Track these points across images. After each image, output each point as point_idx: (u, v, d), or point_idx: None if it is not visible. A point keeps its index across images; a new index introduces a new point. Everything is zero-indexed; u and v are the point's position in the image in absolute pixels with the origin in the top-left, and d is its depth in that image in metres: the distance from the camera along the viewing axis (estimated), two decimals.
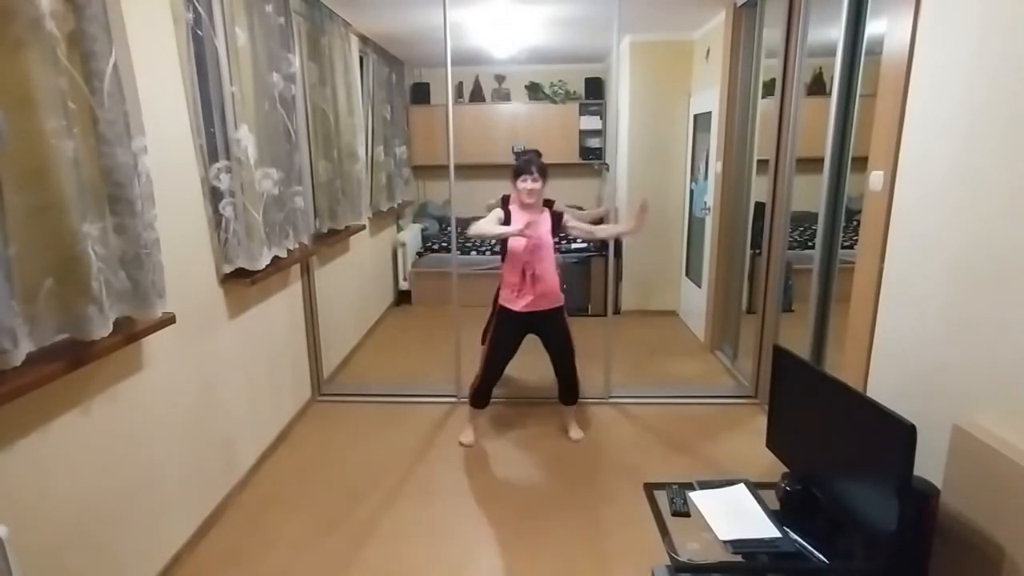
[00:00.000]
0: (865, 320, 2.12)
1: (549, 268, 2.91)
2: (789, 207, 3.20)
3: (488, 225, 2.87)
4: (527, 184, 2.84)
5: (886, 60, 2.03)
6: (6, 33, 1.43)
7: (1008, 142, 1.52)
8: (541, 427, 3.30)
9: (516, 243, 2.86)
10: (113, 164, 1.72)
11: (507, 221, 2.90)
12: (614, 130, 4.43)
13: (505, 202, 2.98)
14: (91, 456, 1.84)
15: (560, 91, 6.31)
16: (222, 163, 2.47)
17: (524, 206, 2.91)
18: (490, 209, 2.98)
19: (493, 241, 5.15)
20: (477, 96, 6.38)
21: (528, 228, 2.75)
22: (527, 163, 2.86)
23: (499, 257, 3.13)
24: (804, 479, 1.82)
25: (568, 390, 3.12)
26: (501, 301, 2.98)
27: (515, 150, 3.07)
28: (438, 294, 5.56)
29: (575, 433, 3.18)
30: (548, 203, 3.00)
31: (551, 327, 2.99)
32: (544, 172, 2.89)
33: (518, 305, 2.90)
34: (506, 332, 2.99)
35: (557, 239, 3.06)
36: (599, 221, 3.41)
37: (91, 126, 1.67)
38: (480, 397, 3.09)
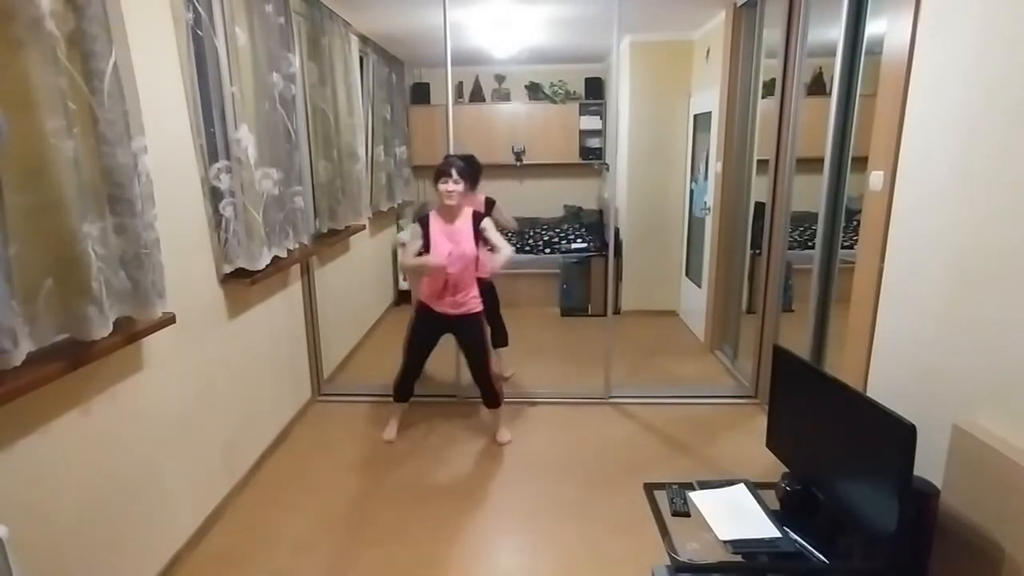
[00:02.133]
0: (865, 320, 2.12)
1: (468, 276, 2.95)
2: (789, 207, 3.20)
3: (408, 259, 2.90)
4: (447, 186, 2.83)
5: (886, 60, 2.03)
6: (6, 33, 1.43)
7: (1008, 142, 1.52)
8: (539, 428, 3.30)
9: (437, 253, 2.87)
10: (113, 164, 1.72)
11: (426, 233, 2.90)
12: (614, 130, 4.42)
13: (424, 220, 2.94)
14: (91, 456, 1.84)
15: (560, 91, 6.31)
16: (222, 163, 2.47)
17: (445, 211, 2.90)
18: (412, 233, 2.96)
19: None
20: (477, 96, 6.38)
21: (450, 257, 2.81)
22: (447, 165, 2.86)
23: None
24: (804, 479, 1.82)
25: (486, 395, 3.14)
26: (421, 297, 3.03)
27: (446, 156, 2.96)
28: None
29: (502, 436, 3.17)
30: (490, 203, 3.00)
31: (466, 332, 3.04)
32: (467, 174, 2.90)
33: (438, 307, 2.96)
34: (424, 327, 3.05)
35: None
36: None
37: (91, 126, 1.67)
38: (400, 390, 3.16)
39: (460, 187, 2.85)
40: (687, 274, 5.16)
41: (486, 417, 3.34)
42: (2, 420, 1.52)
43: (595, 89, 6.28)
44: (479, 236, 2.93)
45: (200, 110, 2.37)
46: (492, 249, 2.96)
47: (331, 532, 2.45)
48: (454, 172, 2.83)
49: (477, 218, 2.94)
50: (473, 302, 3.00)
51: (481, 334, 3.06)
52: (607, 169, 5.76)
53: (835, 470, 1.73)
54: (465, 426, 3.30)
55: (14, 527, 1.38)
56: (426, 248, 2.90)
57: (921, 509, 1.56)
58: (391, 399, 3.21)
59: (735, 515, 1.77)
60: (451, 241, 2.89)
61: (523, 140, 6.29)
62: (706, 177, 4.50)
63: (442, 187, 2.85)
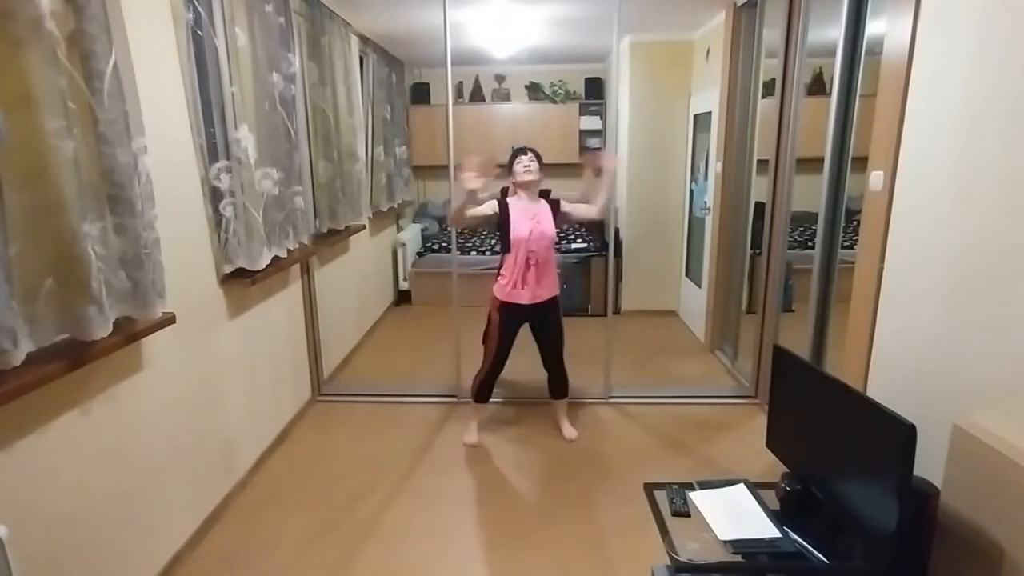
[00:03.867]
0: (865, 320, 2.12)
1: (551, 259, 2.94)
2: (789, 207, 3.20)
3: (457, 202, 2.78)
4: (523, 163, 2.87)
5: (886, 60, 2.03)
6: (6, 33, 1.43)
7: (1008, 142, 1.52)
8: (541, 427, 3.30)
9: (519, 233, 2.85)
10: (113, 164, 1.72)
11: (504, 215, 2.88)
12: (614, 130, 4.42)
13: (503, 202, 2.94)
14: (91, 456, 1.84)
15: (560, 91, 6.31)
16: (222, 163, 2.47)
17: (523, 188, 2.91)
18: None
19: (495, 239, 5.15)
20: (477, 96, 6.38)
21: (531, 235, 2.82)
22: (523, 148, 2.92)
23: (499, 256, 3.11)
24: (804, 479, 1.82)
25: (558, 383, 3.13)
26: (502, 296, 2.93)
27: (514, 147, 3.03)
28: (438, 294, 5.56)
29: (569, 432, 3.17)
30: (544, 193, 2.99)
31: (546, 318, 3.00)
32: (541, 162, 2.93)
33: (524, 298, 2.90)
34: (510, 323, 2.98)
35: (560, 231, 3.09)
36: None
37: (91, 126, 1.67)
38: (485, 390, 3.11)
39: (536, 166, 2.88)
40: (687, 274, 5.16)
41: (486, 418, 3.34)
42: (2, 420, 1.52)
43: (595, 89, 6.28)
44: (558, 218, 2.95)
45: (200, 110, 2.37)
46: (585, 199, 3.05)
47: (331, 532, 2.45)
48: (531, 152, 2.89)
49: (554, 203, 2.96)
50: (554, 283, 2.97)
51: (560, 319, 3.04)
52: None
53: (835, 470, 1.73)
54: (464, 426, 3.30)
55: (14, 527, 1.38)
56: (504, 227, 2.88)
57: (921, 509, 1.56)
58: (471, 401, 3.16)
59: (735, 515, 1.77)
60: (532, 220, 2.87)
61: (523, 140, 6.27)
62: (706, 177, 4.50)
63: (517, 166, 2.88)
